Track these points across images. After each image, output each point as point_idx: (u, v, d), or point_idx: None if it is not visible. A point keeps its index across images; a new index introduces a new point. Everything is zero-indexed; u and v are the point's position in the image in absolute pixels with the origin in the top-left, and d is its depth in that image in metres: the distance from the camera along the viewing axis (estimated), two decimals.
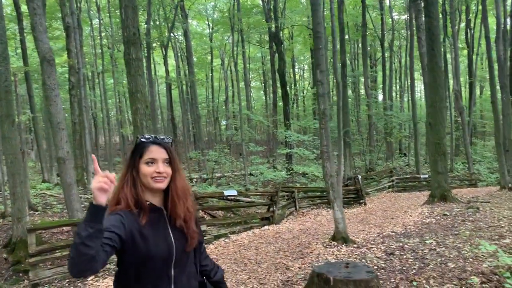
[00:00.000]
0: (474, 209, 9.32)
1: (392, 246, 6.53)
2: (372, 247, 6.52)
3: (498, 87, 16.36)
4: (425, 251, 6.23)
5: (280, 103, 32.99)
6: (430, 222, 8.85)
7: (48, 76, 6.52)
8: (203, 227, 7.17)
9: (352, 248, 6.50)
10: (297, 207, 11.39)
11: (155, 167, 1.64)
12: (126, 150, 34.79)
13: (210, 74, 38.74)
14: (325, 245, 6.71)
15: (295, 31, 36.26)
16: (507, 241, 6.28)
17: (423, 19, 14.21)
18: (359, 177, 13.21)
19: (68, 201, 6.90)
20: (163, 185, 1.66)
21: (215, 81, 40.23)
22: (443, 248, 6.31)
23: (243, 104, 25.18)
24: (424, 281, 4.86)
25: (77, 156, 18.12)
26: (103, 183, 1.39)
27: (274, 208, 9.46)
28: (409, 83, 40.94)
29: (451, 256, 5.91)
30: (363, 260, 5.77)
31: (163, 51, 28.99)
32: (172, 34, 28.53)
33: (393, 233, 7.81)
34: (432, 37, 11.21)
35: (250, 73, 39.57)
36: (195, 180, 20.82)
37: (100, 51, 26.52)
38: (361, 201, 12.63)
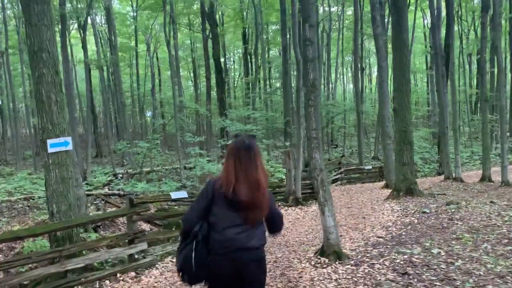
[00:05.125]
0: (455, 205, 8.20)
1: (397, 261, 5.02)
2: (374, 263, 4.95)
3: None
4: (442, 266, 4.78)
5: (214, 92, 30.89)
6: (412, 221, 7.56)
7: None
8: (143, 246, 5.06)
9: (349, 266, 4.87)
10: None
11: None
12: (39, 143, 30.73)
13: (135, 61, 35.24)
14: (313, 263, 5.00)
15: (226, 17, 34.00)
16: None
17: None
18: None
19: None
20: None
21: (140, 69, 36.86)
22: (461, 262, 4.90)
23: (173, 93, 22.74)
24: None
25: None
26: None
27: None
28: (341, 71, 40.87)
29: (481, 273, 4.50)
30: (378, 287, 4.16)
31: (81, 33, 25.52)
32: (91, 16, 25.27)
33: (381, 239, 6.36)
34: (398, 10, 10.01)
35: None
36: (121, 175, 18.26)
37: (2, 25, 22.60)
38: None
